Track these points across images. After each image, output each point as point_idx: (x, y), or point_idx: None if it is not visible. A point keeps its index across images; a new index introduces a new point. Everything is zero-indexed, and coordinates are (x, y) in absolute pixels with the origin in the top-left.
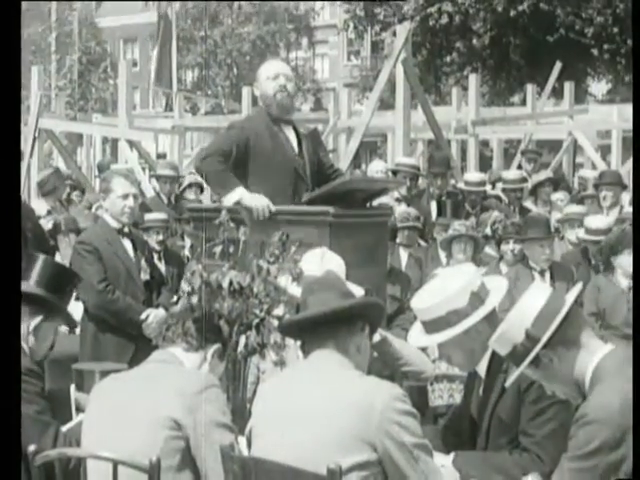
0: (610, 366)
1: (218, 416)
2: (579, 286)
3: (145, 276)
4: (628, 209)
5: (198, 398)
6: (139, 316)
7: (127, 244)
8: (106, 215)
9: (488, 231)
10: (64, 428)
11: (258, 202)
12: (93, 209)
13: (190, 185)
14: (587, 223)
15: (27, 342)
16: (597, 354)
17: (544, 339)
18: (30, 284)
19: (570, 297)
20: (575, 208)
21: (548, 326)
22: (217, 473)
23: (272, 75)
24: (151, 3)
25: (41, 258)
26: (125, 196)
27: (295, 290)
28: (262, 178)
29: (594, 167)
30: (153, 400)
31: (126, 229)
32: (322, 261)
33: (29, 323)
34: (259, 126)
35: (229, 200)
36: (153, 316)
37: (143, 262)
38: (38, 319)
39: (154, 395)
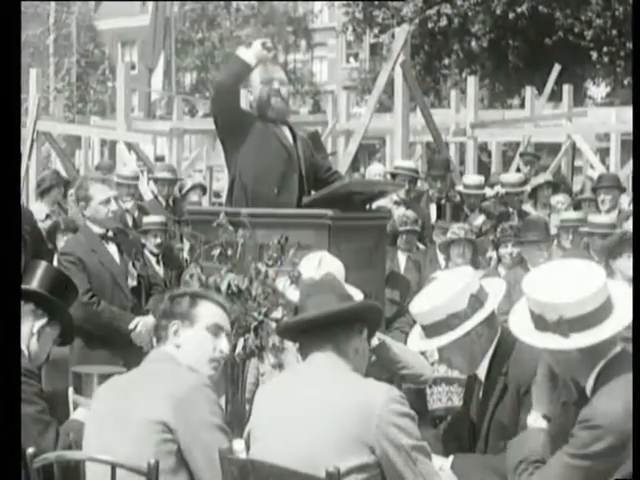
0: (612, 370)
1: (208, 417)
2: (630, 306)
3: (132, 282)
4: (628, 208)
5: (187, 400)
6: (127, 325)
7: (112, 249)
8: (89, 222)
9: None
10: None
11: None
12: (70, 213)
13: (194, 187)
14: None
15: (28, 344)
16: (604, 357)
17: (572, 345)
18: (34, 286)
19: (624, 322)
20: (572, 214)
21: (582, 329)
22: (210, 475)
23: (266, 80)
24: (149, 6)
25: (43, 264)
26: (107, 201)
27: (293, 295)
28: (252, 168)
29: (593, 169)
30: (144, 403)
31: (110, 233)
32: (321, 264)
33: (33, 324)
34: (258, 123)
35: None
36: (142, 324)
37: (130, 267)
38: (43, 321)
39: (145, 398)
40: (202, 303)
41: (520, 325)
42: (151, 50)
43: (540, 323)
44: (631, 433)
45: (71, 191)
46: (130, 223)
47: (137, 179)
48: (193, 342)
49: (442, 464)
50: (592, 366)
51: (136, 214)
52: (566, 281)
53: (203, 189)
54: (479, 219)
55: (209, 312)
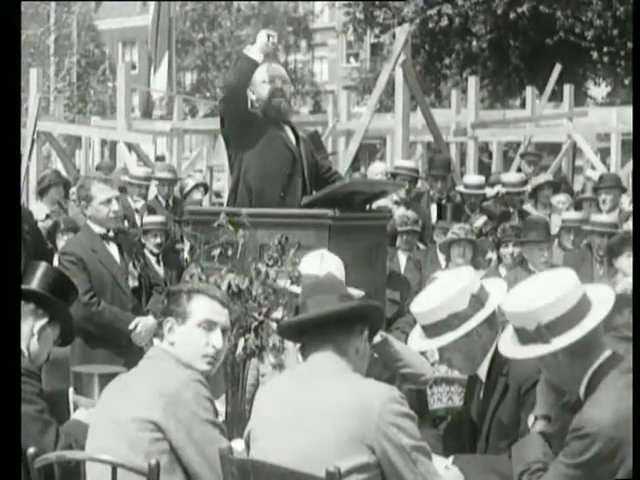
0: (603, 376)
1: (198, 412)
2: (611, 299)
3: (133, 282)
4: (628, 208)
5: (176, 399)
6: (127, 326)
7: (113, 249)
8: (89, 221)
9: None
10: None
11: None
12: (70, 213)
13: (197, 186)
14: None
15: (28, 344)
16: (595, 363)
17: (552, 349)
18: (34, 287)
19: (599, 316)
20: (573, 215)
21: (562, 332)
22: (206, 470)
23: (268, 79)
24: (150, 6)
25: (43, 265)
26: (108, 201)
27: (296, 289)
28: (257, 169)
29: (593, 170)
30: (136, 402)
31: (111, 234)
32: (321, 262)
33: (33, 324)
34: (264, 124)
35: None
36: (142, 325)
37: (131, 267)
38: (43, 321)
39: (137, 397)
40: (196, 298)
41: (505, 343)
42: (154, 50)
43: (523, 336)
44: (622, 439)
45: (73, 189)
46: (139, 223)
47: (149, 180)
48: (185, 339)
49: (448, 463)
50: (583, 372)
51: (145, 214)
52: (538, 289)
53: (205, 187)
54: (480, 220)
55: (202, 307)
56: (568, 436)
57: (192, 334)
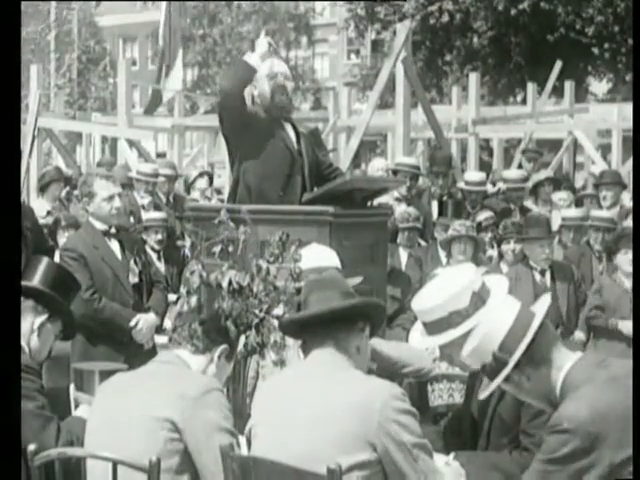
0: (578, 376)
1: (219, 421)
2: (546, 303)
3: (134, 279)
4: (629, 205)
5: (198, 403)
6: (128, 323)
7: (115, 246)
8: (91, 218)
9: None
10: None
11: None
12: (71, 210)
13: (201, 174)
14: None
15: (29, 340)
16: (564, 367)
17: (510, 366)
18: (35, 283)
19: (536, 321)
20: (573, 212)
21: (515, 349)
22: (218, 477)
23: (270, 74)
24: (150, 3)
25: (45, 260)
26: (110, 198)
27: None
28: (257, 169)
29: (595, 166)
30: (153, 401)
31: (113, 230)
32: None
33: (33, 321)
34: (263, 124)
35: None
36: (143, 322)
37: (132, 263)
38: (43, 317)
39: (155, 396)
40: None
41: (482, 390)
42: (167, 49)
43: (490, 373)
44: (599, 435)
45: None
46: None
47: (156, 176)
48: (222, 370)
49: (448, 460)
50: (554, 381)
51: (152, 211)
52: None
53: (210, 176)
54: (483, 215)
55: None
56: (545, 433)
57: (226, 371)
